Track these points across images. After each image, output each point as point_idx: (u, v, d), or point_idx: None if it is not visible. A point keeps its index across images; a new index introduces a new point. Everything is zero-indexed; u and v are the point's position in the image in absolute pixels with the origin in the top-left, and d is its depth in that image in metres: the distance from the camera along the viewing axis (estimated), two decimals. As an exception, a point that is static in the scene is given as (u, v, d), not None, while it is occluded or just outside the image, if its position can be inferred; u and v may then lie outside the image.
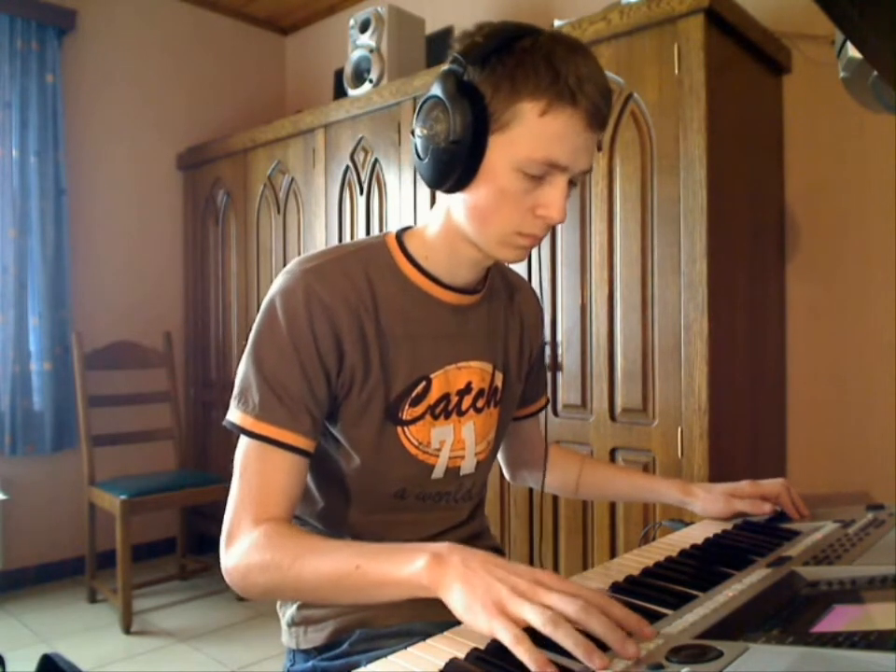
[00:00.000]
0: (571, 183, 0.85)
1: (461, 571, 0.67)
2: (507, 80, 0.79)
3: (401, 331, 0.91)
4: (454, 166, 0.82)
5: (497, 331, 1.02)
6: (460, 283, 0.94)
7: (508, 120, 0.80)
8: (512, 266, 1.12)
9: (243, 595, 0.92)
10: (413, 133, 0.88)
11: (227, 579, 0.83)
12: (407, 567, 0.70)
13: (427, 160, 0.84)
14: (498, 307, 1.03)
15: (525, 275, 2.15)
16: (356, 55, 2.73)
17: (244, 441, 0.85)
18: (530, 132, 0.79)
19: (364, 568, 0.74)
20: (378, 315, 0.89)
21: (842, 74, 1.11)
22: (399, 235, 0.95)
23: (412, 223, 0.85)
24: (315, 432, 0.87)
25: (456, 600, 0.66)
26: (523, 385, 1.10)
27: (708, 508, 1.08)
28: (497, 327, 1.02)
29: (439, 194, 0.90)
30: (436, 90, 0.83)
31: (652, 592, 0.76)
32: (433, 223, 0.93)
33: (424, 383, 0.92)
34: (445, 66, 0.84)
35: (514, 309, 1.06)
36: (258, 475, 0.84)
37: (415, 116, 0.87)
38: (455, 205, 0.88)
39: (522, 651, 0.59)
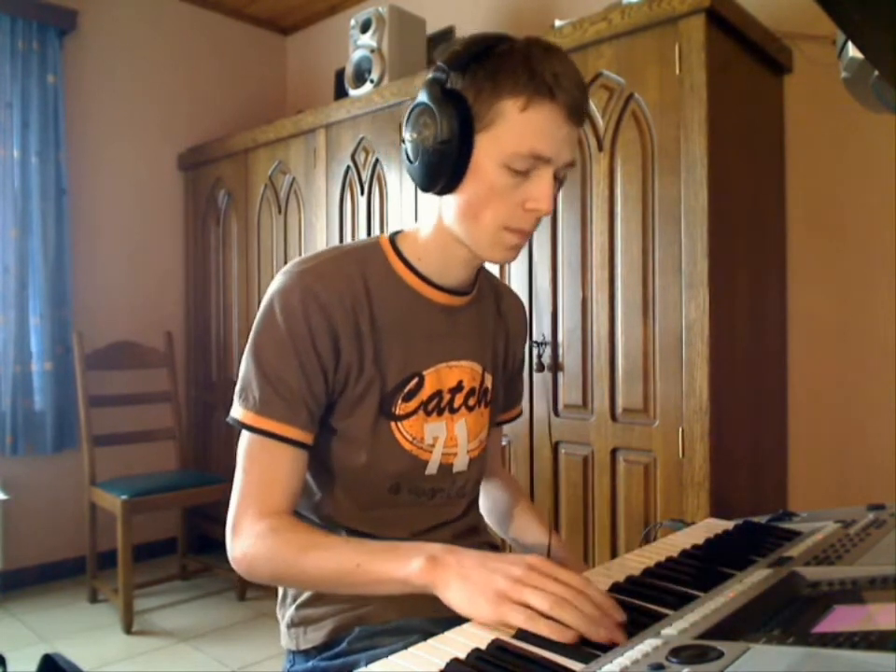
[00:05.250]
0: (556, 179, 0.88)
1: (457, 570, 0.72)
2: (488, 82, 0.83)
3: (395, 328, 0.94)
4: (443, 167, 0.85)
5: (485, 333, 1.05)
6: (451, 283, 0.97)
7: (492, 119, 0.84)
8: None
9: (249, 580, 0.96)
10: (402, 140, 0.91)
11: (233, 565, 0.89)
12: (404, 568, 0.75)
13: (417, 163, 0.88)
14: (487, 310, 1.06)
15: (525, 276, 2.16)
16: (356, 55, 2.73)
17: (245, 436, 0.89)
18: (513, 127, 0.83)
19: (364, 567, 0.78)
20: (373, 311, 0.92)
21: (843, 74, 1.11)
22: (392, 238, 0.98)
23: (411, 224, 0.88)
24: (313, 424, 0.90)
25: (456, 597, 0.70)
26: (503, 392, 1.12)
27: None
28: (486, 329, 1.05)
29: (429, 199, 0.93)
30: (422, 97, 0.87)
31: (653, 592, 0.76)
32: (425, 226, 0.96)
33: (416, 379, 0.95)
34: (430, 75, 0.88)
35: (501, 315, 1.09)
36: (260, 468, 0.88)
37: (404, 123, 0.90)
38: (446, 208, 0.91)
39: (542, 627, 0.64)
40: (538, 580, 0.68)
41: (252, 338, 0.90)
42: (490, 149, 0.84)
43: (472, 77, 0.84)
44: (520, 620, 0.65)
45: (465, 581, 0.70)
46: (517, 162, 0.84)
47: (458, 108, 0.84)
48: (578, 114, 0.85)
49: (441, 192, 0.89)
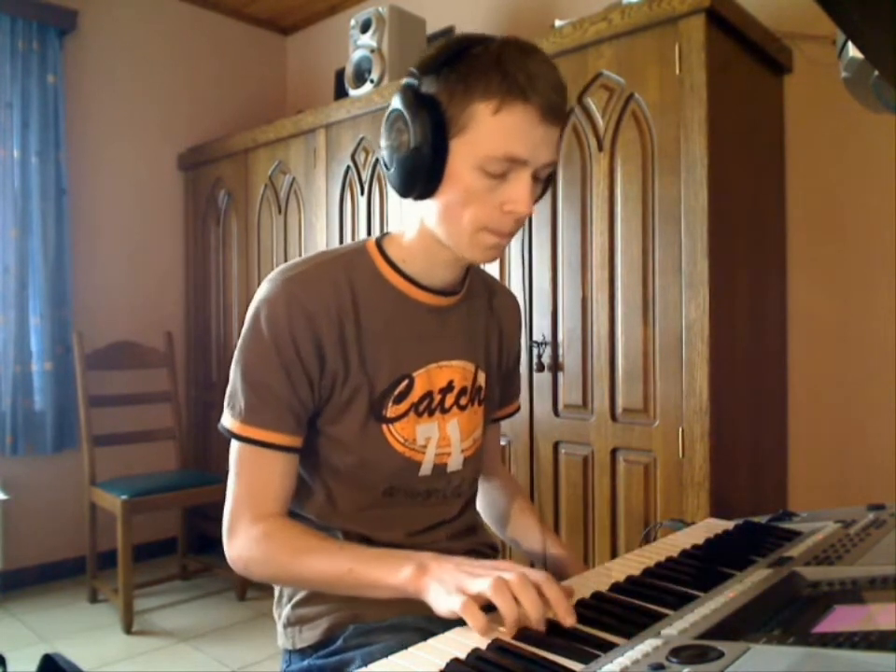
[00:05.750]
0: (538, 179, 0.87)
1: (437, 574, 0.76)
2: (460, 85, 0.82)
3: (382, 332, 0.94)
4: (419, 173, 0.85)
5: (477, 332, 1.04)
6: (438, 284, 0.97)
7: (465, 123, 0.83)
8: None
9: (248, 578, 1.00)
10: (380, 146, 0.91)
11: (231, 565, 0.91)
12: (395, 576, 0.79)
13: (393, 170, 0.88)
14: (478, 308, 1.06)
15: (525, 276, 2.16)
16: (356, 55, 2.73)
17: (235, 443, 0.92)
18: (486, 130, 0.82)
19: (356, 572, 0.82)
20: (359, 316, 0.92)
21: (843, 74, 1.11)
22: (379, 241, 0.98)
23: (397, 226, 0.89)
24: (300, 428, 0.92)
25: (431, 598, 0.74)
26: (500, 388, 1.12)
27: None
28: (477, 327, 1.05)
29: (412, 203, 0.92)
30: (396, 103, 0.86)
31: (653, 592, 0.76)
32: (409, 228, 0.96)
33: (406, 381, 0.95)
34: (403, 80, 0.87)
35: (493, 312, 1.09)
36: (250, 474, 0.91)
37: (381, 130, 0.90)
38: (427, 213, 0.91)
39: (467, 613, 0.68)
40: (494, 573, 0.71)
41: (238, 347, 0.92)
42: (465, 154, 0.83)
43: (445, 80, 0.83)
44: (457, 606, 0.69)
45: (440, 582, 0.74)
46: (492, 166, 0.83)
47: (431, 114, 0.83)
48: (554, 114, 0.83)
49: (419, 198, 0.88)
